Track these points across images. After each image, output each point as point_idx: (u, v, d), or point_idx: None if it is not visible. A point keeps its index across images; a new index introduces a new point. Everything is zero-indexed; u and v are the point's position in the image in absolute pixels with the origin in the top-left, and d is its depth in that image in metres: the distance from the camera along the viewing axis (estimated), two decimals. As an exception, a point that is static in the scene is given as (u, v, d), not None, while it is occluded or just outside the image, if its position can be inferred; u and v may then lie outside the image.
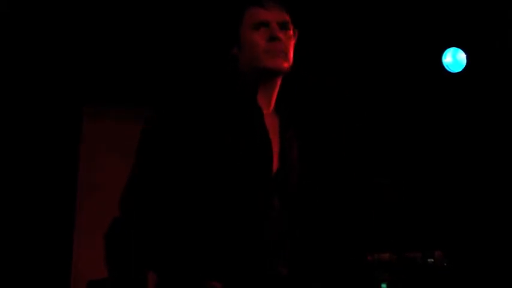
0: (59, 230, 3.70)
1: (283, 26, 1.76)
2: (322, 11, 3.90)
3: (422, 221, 4.14)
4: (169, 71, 3.84)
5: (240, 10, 1.78)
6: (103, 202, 3.75)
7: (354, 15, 4.01)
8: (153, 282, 1.56)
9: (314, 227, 3.74)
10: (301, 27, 1.85)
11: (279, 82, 1.81)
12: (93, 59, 3.81)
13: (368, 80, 4.13)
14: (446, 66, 4.13)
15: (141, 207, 1.59)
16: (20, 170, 3.64)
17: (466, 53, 4.15)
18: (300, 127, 1.90)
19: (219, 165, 1.61)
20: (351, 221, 3.97)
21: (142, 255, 1.57)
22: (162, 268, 1.57)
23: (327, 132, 3.95)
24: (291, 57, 1.77)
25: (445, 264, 3.84)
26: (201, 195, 1.60)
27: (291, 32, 1.79)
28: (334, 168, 3.94)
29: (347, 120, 4.04)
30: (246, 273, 1.60)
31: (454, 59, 4.14)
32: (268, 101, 1.80)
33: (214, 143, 1.62)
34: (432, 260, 3.82)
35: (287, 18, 1.78)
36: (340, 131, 4.01)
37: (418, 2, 4.06)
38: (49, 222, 3.67)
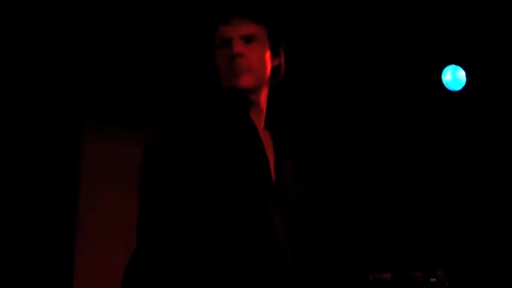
0: (60, 247, 3.69)
1: (248, 39, 1.71)
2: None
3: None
4: (168, 90, 3.86)
5: (210, 30, 1.75)
6: (104, 221, 3.76)
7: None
8: None
9: (315, 231, 3.72)
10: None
11: (261, 97, 1.77)
12: (94, 75, 3.82)
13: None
14: (446, 84, 4.13)
15: (159, 233, 1.56)
16: (20, 187, 3.63)
17: (465, 71, 4.15)
18: (298, 129, 1.90)
19: (221, 181, 1.60)
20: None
21: None
22: None
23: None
24: (262, 71, 1.73)
25: (447, 284, 3.81)
26: (206, 212, 1.59)
27: (264, 44, 1.74)
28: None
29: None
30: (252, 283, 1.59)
31: (454, 77, 4.15)
32: (258, 117, 1.78)
33: (215, 160, 1.61)
34: (434, 279, 3.80)
35: (255, 30, 1.73)
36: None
37: (418, 20, 4.08)
38: (50, 238, 3.65)
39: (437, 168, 4.21)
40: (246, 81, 1.69)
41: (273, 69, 1.79)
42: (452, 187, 4.19)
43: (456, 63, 4.18)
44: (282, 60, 1.83)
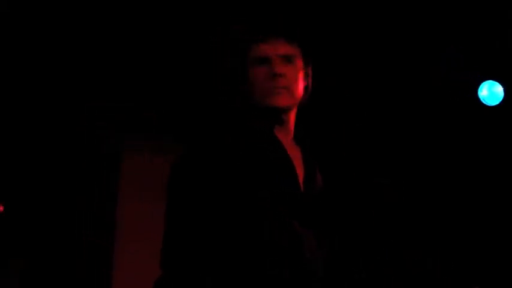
0: (101, 247, 3.80)
1: (287, 59, 1.74)
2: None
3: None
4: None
5: (244, 47, 1.76)
6: (141, 239, 3.82)
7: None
8: None
9: (347, 243, 3.69)
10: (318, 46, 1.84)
11: (291, 117, 1.79)
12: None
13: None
14: (483, 99, 4.10)
15: (184, 259, 1.56)
16: (58, 204, 3.72)
17: (503, 86, 4.11)
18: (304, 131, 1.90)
19: (251, 200, 1.61)
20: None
21: None
22: None
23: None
24: (298, 91, 1.76)
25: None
26: (237, 231, 1.59)
27: (299, 64, 1.76)
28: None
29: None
30: None
31: (491, 92, 4.11)
32: (285, 134, 1.79)
33: (244, 179, 1.61)
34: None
35: (291, 51, 1.75)
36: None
37: (453, 37, 4.06)
38: (92, 240, 3.76)
39: (466, 179, 4.17)
40: (284, 100, 1.72)
41: (304, 89, 1.82)
42: (479, 199, 4.14)
43: (493, 79, 4.14)
44: (310, 80, 1.85)
